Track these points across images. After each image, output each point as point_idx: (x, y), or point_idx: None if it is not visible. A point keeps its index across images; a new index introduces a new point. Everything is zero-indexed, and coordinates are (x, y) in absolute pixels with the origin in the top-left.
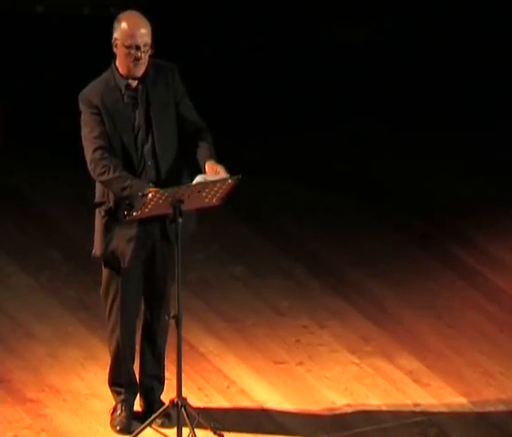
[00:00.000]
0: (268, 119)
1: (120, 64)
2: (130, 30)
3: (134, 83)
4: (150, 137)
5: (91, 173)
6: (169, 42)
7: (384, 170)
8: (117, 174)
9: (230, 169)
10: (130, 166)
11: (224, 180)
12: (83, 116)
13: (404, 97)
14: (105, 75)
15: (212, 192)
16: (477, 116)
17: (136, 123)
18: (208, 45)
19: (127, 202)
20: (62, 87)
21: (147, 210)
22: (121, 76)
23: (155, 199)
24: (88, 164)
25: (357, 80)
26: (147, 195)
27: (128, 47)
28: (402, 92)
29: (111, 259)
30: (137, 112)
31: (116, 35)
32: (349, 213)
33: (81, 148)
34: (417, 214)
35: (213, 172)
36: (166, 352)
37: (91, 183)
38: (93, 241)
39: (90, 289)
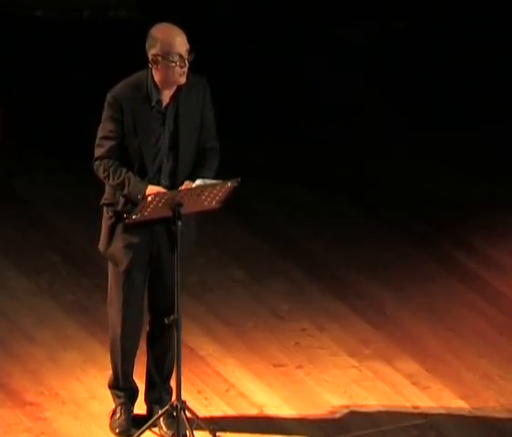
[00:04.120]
0: (268, 121)
1: (161, 77)
2: (170, 41)
3: (166, 99)
4: (172, 159)
5: (95, 171)
6: None
7: (384, 172)
8: (115, 181)
9: (230, 172)
10: (144, 177)
11: (224, 183)
12: (104, 113)
13: (403, 98)
14: (139, 78)
15: (212, 195)
16: (479, 117)
17: (159, 141)
18: (211, 47)
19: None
20: (62, 90)
21: (146, 213)
22: (156, 87)
23: (154, 202)
24: (93, 161)
25: (357, 81)
26: (146, 198)
27: (172, 59)
28: (402, 93)
29: (112, 261)
30: (162, 129)
31: (154, 51)
32: (349, 216)
33: (81, 152)
34: (417, 217)
35: None
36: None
37: (91, 186)
38: (99, 237)
39: (90, 292)
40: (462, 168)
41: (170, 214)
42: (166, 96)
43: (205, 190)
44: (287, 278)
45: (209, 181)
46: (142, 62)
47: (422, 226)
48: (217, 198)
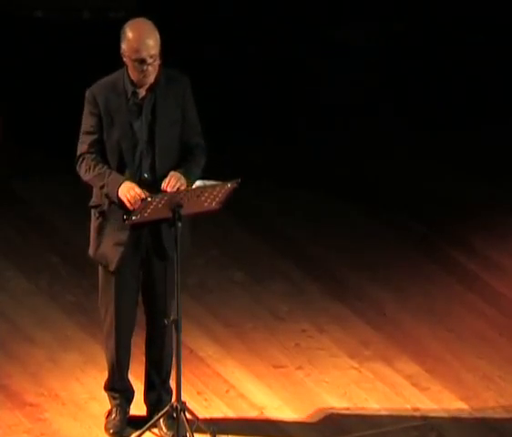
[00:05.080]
0: (268, 122)
1: (130, 72)
2: (136, 43)
3: (142, 92)
4: (151, 151)
5: (78, 171)
6: (172, 44)
7: (383, 173)
8: (96, 172)
9: (230, 173)
10: (124, 171)
11: (223, 184)
12: (84, 112)
13: (403, 99)
14: (116, 74)
15: (212, 196)
16: (479, 117)
17: (137, 133)
18: (211, 48)
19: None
20: (61, 91)
21: (146, 214)
22: (131, 81)
23: (154, 203)
24: (75, 161)
25: (357, 82)
26: (146, 199)
27: (135, 61)
28: (402, 93)
29: (102, 262)
30: (139, 122)
31: (123, 46)
32: (349, 217)
33: None
34: (417, 218)
35: (166, 185)
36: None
37: (90, 187)
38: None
39: (89, 293)
40: (462, 168)
41: (170, 215)
42: (142, 89)
43: (205, 191)
44: (287, 279)
45: (208, 182)
46: None
47: (422, 226)
48: (217, 198)
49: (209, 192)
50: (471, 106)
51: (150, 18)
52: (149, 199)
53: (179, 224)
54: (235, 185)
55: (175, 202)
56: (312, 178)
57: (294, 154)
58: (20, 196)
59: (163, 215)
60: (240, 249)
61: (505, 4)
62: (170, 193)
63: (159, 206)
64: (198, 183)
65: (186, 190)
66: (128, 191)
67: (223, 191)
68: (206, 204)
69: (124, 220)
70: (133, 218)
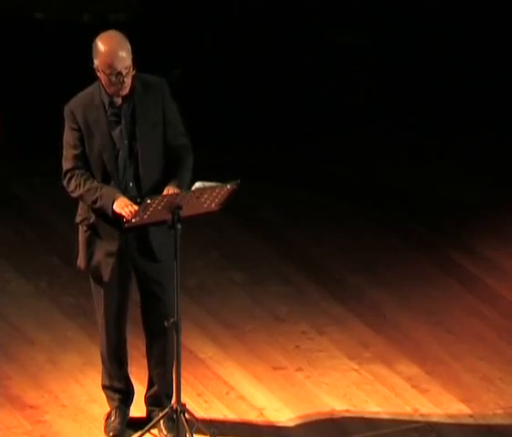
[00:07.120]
0: (268, 124)
1: (105, 86)
2: (109, 57)
3: (119, 100)
4: (134, 158)
5: (65, 187)
6: (171, 46)
7: (383, 176)
8: (86, 187)
9: (229, 174)
10: (111, 185)
11: (223, 186)
12: (65, 128)
13: (404, 101)
14: (91, 88)
15: (211, 198)
16: (480, 118)
17: (117, 142)
18: (208, 50)
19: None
20: (61, 93)
21: (145, 217)
22: (106, 92)
23: (154, 205)
24: (62, 177)
25: (357, 84)
26: (145, 201)
27: (109, 75)
28: (403, 96)
29: (94, 273)
30: (119, 130)
31: (96, 62)
32: (348, 219)
33: None
34: (417, 220)
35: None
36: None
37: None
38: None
39: (89, 294)
40: (462, 170)
41: (169, 217)
42: (118, 98)
43: (204, 193)
44: (287, 280)
45: (208, 183)
46: (141, 65)
47: (421, 228)
48: (216, 200)
49: (208, 193)
50: (472, 108)
51: (152, 19)
52: (149, 201)
53: (179, 226)
54: (235, 186)
55: (174, 204)
56: (312, 180)
57: (294, 155)
58: (20, 198)
59: (163, 217)
60: (240, 251)
61: (505, 4)
62: (170, 195)
63: (159, 208)
64: (197, 184)
65: (186, 192)
66: (126, 206)
67: (223, 193)
68: (205, 205)
69: (124, 223)
70: (133, 220)
